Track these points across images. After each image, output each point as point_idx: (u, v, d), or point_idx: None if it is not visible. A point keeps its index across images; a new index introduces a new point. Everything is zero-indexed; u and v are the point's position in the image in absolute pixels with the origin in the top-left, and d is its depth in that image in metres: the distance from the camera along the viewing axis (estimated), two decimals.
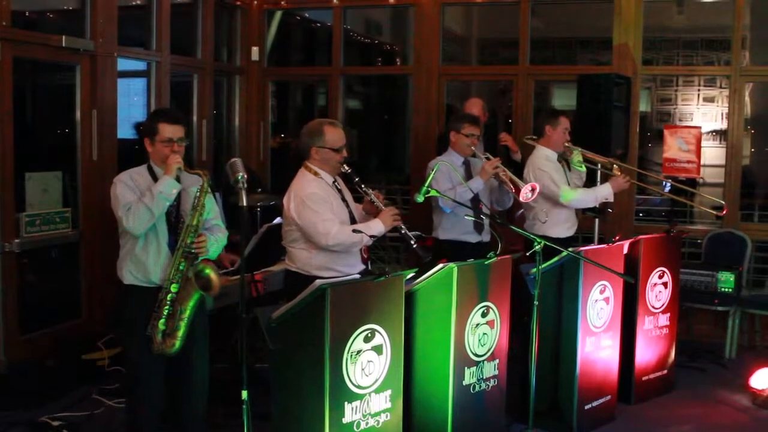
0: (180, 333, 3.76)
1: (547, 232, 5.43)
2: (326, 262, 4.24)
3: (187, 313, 3.77)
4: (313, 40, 10.00)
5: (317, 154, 4.26)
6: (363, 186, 4.31)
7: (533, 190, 4.97)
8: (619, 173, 5.64)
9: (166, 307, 3.75)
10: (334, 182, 4.34)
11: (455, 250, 5.03)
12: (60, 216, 5.80)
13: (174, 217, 3.86)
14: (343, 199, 4.35)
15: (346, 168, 4.27)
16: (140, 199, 3.73)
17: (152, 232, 3.81)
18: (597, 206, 6.23)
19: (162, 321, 3.74)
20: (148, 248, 3.83)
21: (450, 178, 5.23)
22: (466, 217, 5.06)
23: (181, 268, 3.77)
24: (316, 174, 4.27)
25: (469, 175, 5.34)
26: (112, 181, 3.92)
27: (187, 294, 3.75)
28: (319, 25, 9.60)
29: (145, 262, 3.82)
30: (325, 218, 4.12)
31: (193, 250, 3.78)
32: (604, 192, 5.59)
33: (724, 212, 6.08)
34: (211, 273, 3.71)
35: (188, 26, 7.28)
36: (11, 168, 5.41)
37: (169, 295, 3.75)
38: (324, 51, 8.67)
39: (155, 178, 3.85)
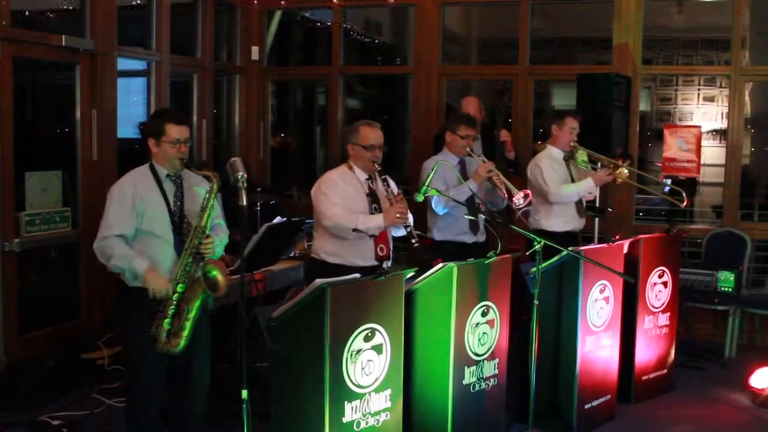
0: (185, 333, 3.76)
1: (543, 226, 5.57)
2: (335, 249, 4.49)
3: (193, 313, 3.76)
4: (312, 40, 10.00)
5: (352, 150, 4.56)
6: (386, 183, 4.54)
7: (526, 196, 5.01)
8: (626, 173, 5.65)
9: (172, 306, 3.75)
10: (367, 179, 4.56)
11: (451, 251, 5.02)
12: (60, 215, 5.80)
13: (178, 218, 3.86)
14: (369, 194, 4.53)
15: (378, 166, 4.51)
16: (127, 255, 3.74)
17: (156, 234, 3.81)
18: (597, 205, 6.25)
19: (167, 321, 3.73)
20: (153, 250, 3.82)
21: (444, 180, 5.22)
22: (465, 217, 5.06)
23: (188, 268, 3.77)
24: (350, 168, 4.57)
25: (464, 176, 5.34)
26: (112, 180, 3.91)
27: (193, 294, 3.75)
28: (318, 24, 9.60)
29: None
30: (330, 201, 4.41)
31: (200, 251, 3.78)
32: (585, 186, 5.62)
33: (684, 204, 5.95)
34: (218, 274, 3.71)
35: (188, 26, 7.28)
36: (11, 167, 5.41)
37: (176, 295, 3.75)
38: (324, 50, 8.67)
39: (158, 178, 3.85)
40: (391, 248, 4.65)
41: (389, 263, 4.57)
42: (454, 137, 5.34)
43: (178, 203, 3.86)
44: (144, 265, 3.73)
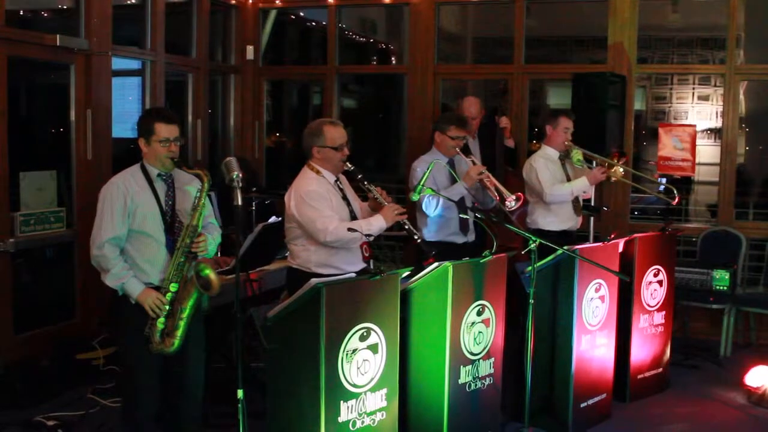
0: (179, 332, 3.76)
1: (539, 225, 5.61)
2: (325, 259, 4.31)
3: (187, 312, 3.77)
4: (308, 39, 10.01)
5: (319, 153, 4.33)
6: (366, 183, 4.36)
7: (518, 199, 5.01)
8: (621, 171, 5.66)
9: (166, 306, 3.75)
10: (336, 181, 4.40)
11: (442, 252, 5.02)
12: (55, 215, 5.78)
13: (170, 217, 3.86)
14: (344, 198, 4.40)
15: (349, 165, 4.35)
16: (121, 277, 3.75)
17: (148, 234, 3.80)
18: (592, 204, 6.25)
19: (161, 320, 3.74)
20: (145, 249, 3.82)
21: (434, 181, 5.20)
22: (461, 216, 5.06)
23: (180, 267, 3.76)
24: (318, 173, 4.35)
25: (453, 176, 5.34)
26: (106, 180, 3.91)
27: (186, 293, 3.75)
28: (314, 24, 9.60)
29: (142, 264, 3.81)
30: (323, 215, 4.19)
31: (192, 250, 3.78)
32: (580, 185, 5.62)
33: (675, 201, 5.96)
34: (210, 273, 3.70)
35: (183, 25, 7.27)
36: (6, 167, 5.39)
37: (168, 294, 3.75)
38: (319, 50, 8.68)
39: (149, 178, 3.84)
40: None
41: (371, 263, 4.53)
42: (443, 138, 5.33)
43: (170, 203, 3.86)
44: (137, 290, 3.75)
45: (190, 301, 3.75)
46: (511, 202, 5.01)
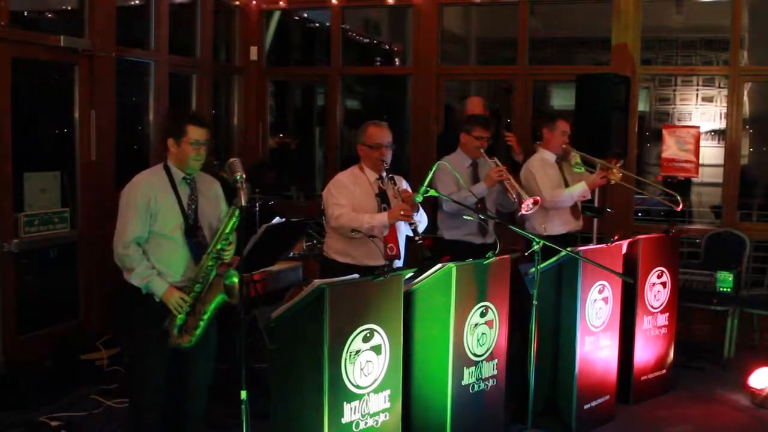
0: (198, 331, 3.83)
1: (537, 230, 5.50)
2: (343, 248, 4.58)
3: (208, 314, 3.83)
4: (311, 40, 10.00)
5: (361, 150, 4.67)
6: (392, 180, 4.58)
7: (535, 203, 5.00)
8: (619, 174, 5.64)
9: (188, 304, 3.78)
10: (378, 179, 4.63)
11: (459, 250, 5.04)
12: (58, 216, 5.79)
13: (192, 220, 3.87)
14: (378, 195, 4.59)
15: (386, 165, 4.56)
16: (146, 276, 3.76)
17: (168, 236, 3.82)
18: (595, 206, 6.24)
19: (181, 316, 3.78)
20: (161, 251, 3.83)
21: (456, 181, 5.23)
22: (464, 218, 5.05)
23: (207, 270, 3.79)
24: (361, 168, 4.68)
25: (476, 177, 5.36)
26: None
27: (211, 295, 3.81)
28: (317, 25, 9.60)
29: (157, 265, 3.82)
30: (336, 202, 4.50)
31: (222, 257, 3.80)
32: (579, 190, 5.56)
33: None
34: (237, 282, 3.72)
35: (187, 26, 7.27)
36: (9, 168, 5.40)
37: (192, 294, 3.80)
38: (323, 51, 8.67)
39: (171, 178, 3.87)
40: (402, 248, 4.65)
41: (399, 262, 4.58)
42: (468, 138, 5.37)
43: (193, 206, 3.88)
44: (162, 289, 3.78)
45: (213, 303, 3.82)
46: (529, 205, 5.01)
